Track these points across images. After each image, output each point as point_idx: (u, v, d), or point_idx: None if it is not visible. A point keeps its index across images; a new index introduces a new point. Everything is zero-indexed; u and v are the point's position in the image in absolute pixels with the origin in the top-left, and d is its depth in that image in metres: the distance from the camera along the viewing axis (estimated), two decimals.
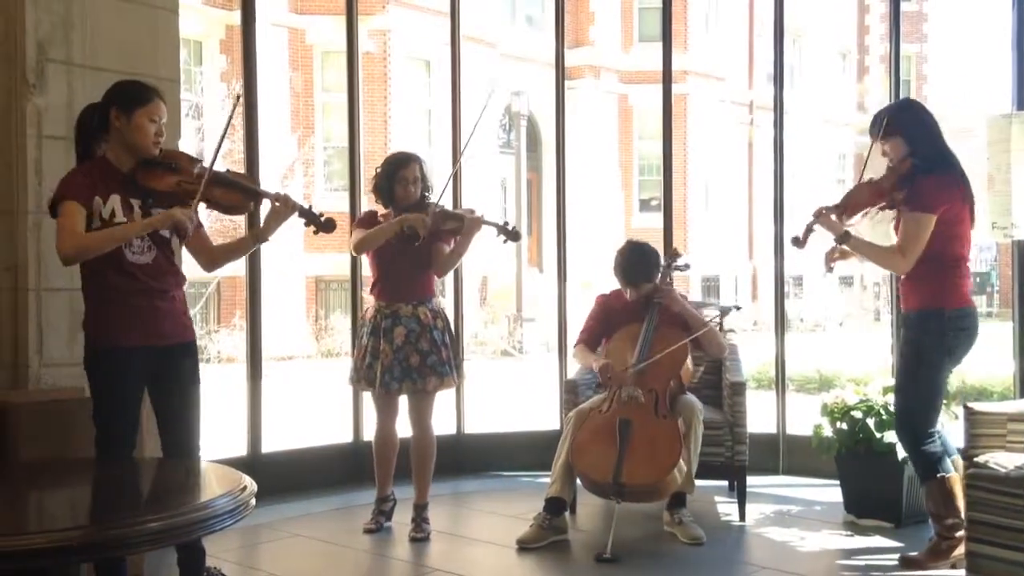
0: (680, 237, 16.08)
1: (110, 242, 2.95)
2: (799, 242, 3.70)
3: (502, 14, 17.65)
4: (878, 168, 3.73)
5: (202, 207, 3.12)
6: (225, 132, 3.25)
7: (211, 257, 3.29)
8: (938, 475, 3.56)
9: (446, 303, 4.37)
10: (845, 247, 3.67)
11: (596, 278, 4.50)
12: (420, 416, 4.07)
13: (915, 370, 3.61)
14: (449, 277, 5.39)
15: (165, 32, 4.01)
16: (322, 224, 3.26)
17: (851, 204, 3.65)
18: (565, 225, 5.47)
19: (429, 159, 4.18)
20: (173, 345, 3.12)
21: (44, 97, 3.63)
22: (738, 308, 4.75)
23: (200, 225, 3.22)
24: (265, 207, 3.27)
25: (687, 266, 4.51)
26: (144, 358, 3.05)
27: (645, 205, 19.64)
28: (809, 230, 3.68)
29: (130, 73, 3.65)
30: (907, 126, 3.61)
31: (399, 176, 4.03)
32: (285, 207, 3.19)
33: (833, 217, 3.64)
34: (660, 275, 4.32)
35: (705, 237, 19.09)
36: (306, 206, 3.26)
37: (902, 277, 3.70)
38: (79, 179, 2.98)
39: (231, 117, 3.26)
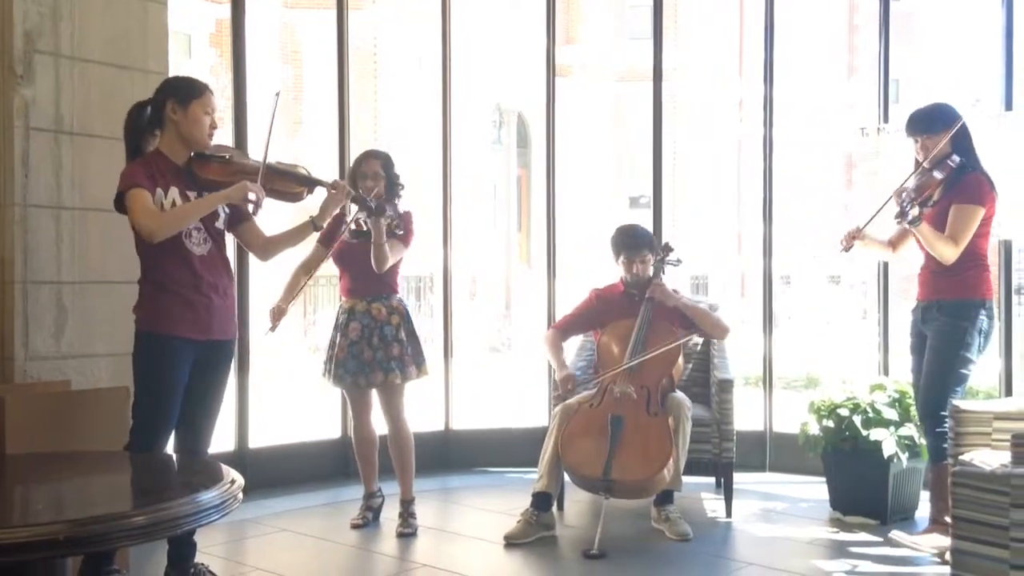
0: (669, 235, 16.07)
1: (191, 215, 3.04)
2: (903, 215, 3.74)
3: (494, 10, 17.63)
4: (875, 167, 3.83)
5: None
6: (272, 126, 3.26)
7: (266, 246, 3.36)
8: (945, 460, 3.63)
9: (437, 298, 4.37)
10: (867, 235, 3.87)
11: (587, 274, 4.48)
12: (390, 411, 4.08)
13: (954, 356, 3.74)
14: (439, 273, 5.39)
15: (154, 25, 4.00)
16: (373, 209, 3.42)
17: (925, 191, 3.78)
18: (554, 222, 5.48)
19: (421, 155, 4.17)
20: (220, 341, 3.19)
21: (31, 88, 3.61)
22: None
23: (250, 216, 3.27)
24: (317, 195, 3.35)
25: (679, 261, 4.50)
26: (191, 352, 3.11)
27: (634, 202, 19.66)
28: (911, 202, 3.74)
29: (118, 66, 3.64)
30: (952, 125, 3.77)
31: (359, 171, 4.01)
32: (340, 193, 3.33)
33: (917, 200, 3.76)
34: (653, 269, 4.33)
35: (694, 235, 19.12)
36: (356, 191, 3.39)
37: (929, 268, 3.84)
38: (140, 170, 3.03)
39: (274, 111, 3.28)
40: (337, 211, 3.36)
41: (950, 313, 3.77)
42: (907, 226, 3.74)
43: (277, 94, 3.39)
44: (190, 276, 3.08)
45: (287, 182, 3.25)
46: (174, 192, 3.07)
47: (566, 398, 4.17)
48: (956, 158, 3.75)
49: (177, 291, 3.07)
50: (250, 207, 3.11)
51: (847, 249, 3.92)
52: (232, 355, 3.33)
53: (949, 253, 3.73)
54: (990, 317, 3.78)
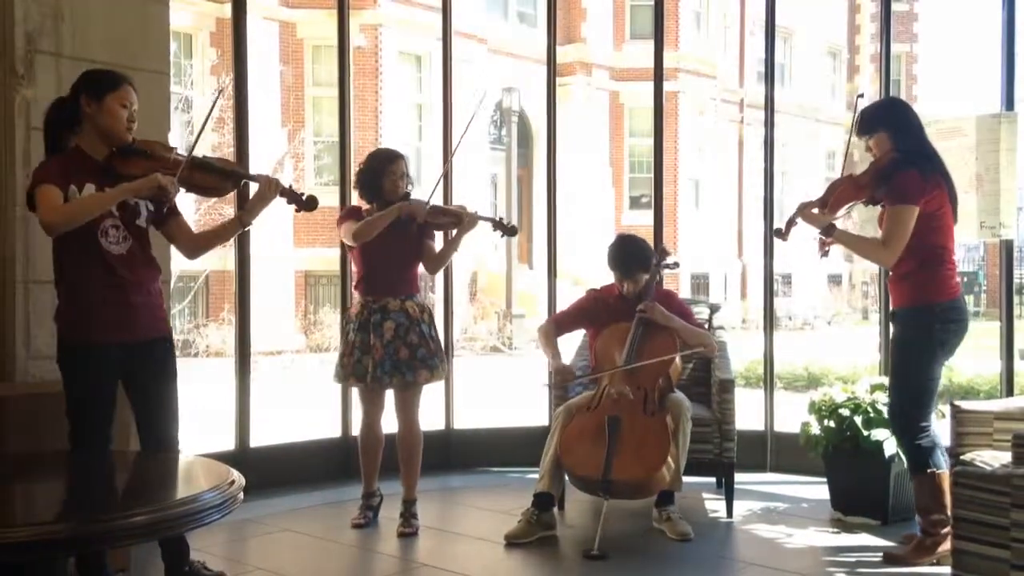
0: (670, 234, 16.10)
1: (95, 207, 2.93)
2: (781, 234, 3.78)
3: (494, 10, 17.64)
4: (860, 164, 3.77)
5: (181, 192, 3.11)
6: (207, 121, 3.23)
7: (193, 244, 3.28)
8: (928, 470, 3.60)
9: (436, 298, 4.38)
10: (830, 239, 3.71)
11: (587, 275, 4.49)
12: (406, 410, 4.07)
13: (907, 365, 3.64)
14: (440, 272, 5.39)
15: (155, 24, 4.00)
16: (304, 203, 3.28)
17: (833, 198, 3.70)
18: (555, 222, 5.48)
19: (419, 154, 4.19)
20: (148, 340, 3.09)
21: (33, 88, 3.61)
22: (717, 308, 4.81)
23: (178, 212, 3.21)
24: (247, 191, 3.27)
25: (676, 264, 4.51)
26: (118, 354, 3.02)
27: (635, 202, 19.66)
28: (791, 223, 3.74)
29: (120, 65, 3.64)
30: (891, 122, 3.67)
31: (388, 171, 4.04)
32: (268, 188, 3.19)
33: (815, 211, 3.70)
34: (650, 273, 4.32)
35: (695, 235, 19.12)
36: (287, 185, 3.28)
37: (891, 275, 3.74)
38: (53, 166, 2.95)
39: (213, 107, 3.25)
40: (266, 207, 3.24)
41: (901, 322, 3.66)
42: (824, 238, 3.67)
43: (221, 91, 3.34)
44: (107, 276, 2.98)
45: (213, 176, 3.14)
46: (90, 189, 2.95)
47: (563, 388, 4.18)
48: (892, 156, 3.59)
49: (93, 293, 2.97)
50: (163, 197, 2.99)
51: (825, 255, 3.78)
52: (169, 351, 3.17)
53: (879, 256, 3.64)
54: (947, 320, 3.56)
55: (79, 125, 3.02)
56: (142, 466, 2.94)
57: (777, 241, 3.90)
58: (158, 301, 3.16)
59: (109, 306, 3.00)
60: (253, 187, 3.30)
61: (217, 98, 3.31)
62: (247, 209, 3.23)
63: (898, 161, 3.58)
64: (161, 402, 3.15)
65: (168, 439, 3.15)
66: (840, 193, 3.69)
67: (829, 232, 3.65)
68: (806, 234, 3.84)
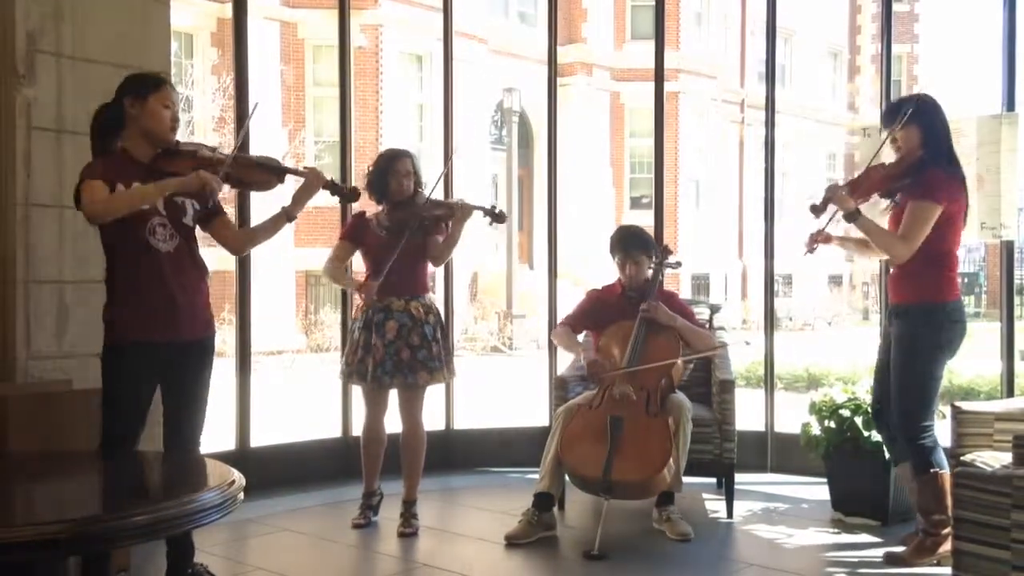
0: (671, 235, 16.08)
1: (139, 199, 2.95)
2: (816, 210, 3.71)
3: (495, 10, 17.64)
4: (886, 157, 3.77)
5: (226, 188, 3.16)
6: (247, 127, 3.29)
7: (239, 241, 3.32)
8: (931, 470, 3.59)
9: (437, 299, 4.38)
10: (833, 236, 3.73)
11: (587, 275, 4.49)
12: (410, 411, 4.07)
13: (912, 364, 3.63)
14: (439, 273, 5.39)
15: (156, 24, 4.00)
16: (347, 194, 3.37)
17: (864, 184, 3.70)
18: (556, 222, 5.47)
19: (421, 154, 4.21)
20: (191, 341, 3.11)
21: (33, 88, 3.61)
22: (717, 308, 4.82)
23: (222, 211, 3.24)
24: (287, 185, 3.30)
25: (678, 263, 4.50)
26: (160, 353, 3.05)
27: (636, 202, 19.67)
28: (828, 199, 3.69)
29: (120, 65, 3.65)
30: (925, 120, 3.66)
31: (393, 169, 4.05)
32: (314, 180, 3.24)
33: (844, 193, 3.68)
34: (652, 272, 4.32)
35: (695, 235, 19.13)
36: (329, 178, 3.34)
37: (892, 270, 3.74)
38: (98, 166, 2.99)
39: (252, 113, 3.28)
40: (311, 199, 3.30)
41: (908, 319, 3.64)
42: (847, 223, 3.64)
43: (256, 104, 3.43)
44: (154, 274, 3.01)
45: (257, 172, 3.19)
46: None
47: (563, 389, 4.19)
48: (921, 153, 3.61)
49: (138, 291, 3.00)
50: (207, 194, 3.02)
51: (811, 251, 3.79)
52: (208, 353, 3.19)
53: (896, 250, 3.61)
54: (953, 320, 3.60)
55: (124, 129, 3.05)
56: (143, 466, 2.94)
57: (810, 214, 3.83)
58: (204, 301, 3.18)
59: (154, 305, 3.02)
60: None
61: (255, 107, 3.47)
62: (293, 202, 3.25)
63: (929, 159, 3.61)
64: (191, 402, 3.16)
65: (191, 440, 3.17)
66: (872, 180, 3.69)
67: (853, 217, 3.63)
68: (804, 234, 3.84)
